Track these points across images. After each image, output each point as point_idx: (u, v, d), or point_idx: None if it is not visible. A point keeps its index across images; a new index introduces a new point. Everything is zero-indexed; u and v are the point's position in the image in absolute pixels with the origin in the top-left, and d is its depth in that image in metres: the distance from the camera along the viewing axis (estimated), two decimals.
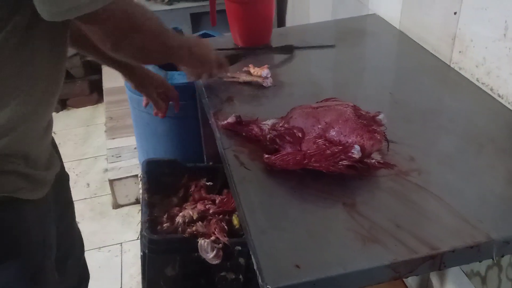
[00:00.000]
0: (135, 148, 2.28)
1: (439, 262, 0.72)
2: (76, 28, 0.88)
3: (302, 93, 1.17)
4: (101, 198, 2.33)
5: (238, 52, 1.35)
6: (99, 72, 2.97)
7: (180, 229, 1.35)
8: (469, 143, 0.95)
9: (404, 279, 1.49)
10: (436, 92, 1.16)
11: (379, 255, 0.71)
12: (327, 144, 0.86)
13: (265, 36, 1.43)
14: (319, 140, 0.87)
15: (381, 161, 0.87)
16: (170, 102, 1.36)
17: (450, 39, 1.22)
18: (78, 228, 1.21)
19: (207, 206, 1.42)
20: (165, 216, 1.42)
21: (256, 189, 0.86)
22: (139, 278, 1.68)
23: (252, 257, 0.74)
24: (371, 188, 0.85)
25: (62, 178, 1.08)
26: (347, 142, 0.86)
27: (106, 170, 2.31)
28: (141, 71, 1.26)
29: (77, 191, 2.26)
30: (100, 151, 2.63)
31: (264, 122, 0.98)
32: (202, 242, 1.28)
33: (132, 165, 2.26)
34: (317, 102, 0.99)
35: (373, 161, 0.86)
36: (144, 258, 1.34)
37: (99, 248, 2.05)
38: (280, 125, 0.94)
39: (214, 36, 1.82)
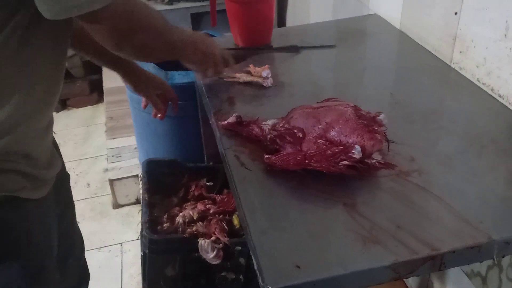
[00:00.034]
0: (135, 148, 2.28)
1: (440, 262, 0.72)
2: (75, 29, 0.88)
3: (302, 93, 1.17)
4: (101, 198, 2.33)
5: (238, 53, 1.35)
6: (99, 72, 2.97)
7: (180, 229, 1.35)
8: (470, 144, 0.95)
9: (404, 280, 1.49)
10: (437, 92, 1.16)
11: (379, 255, 0.71)
12: (327, 145, 0.86)
13: (266, 36, 1.43)
14: (320, 140, 0.87)
15: (382, 162, 0.87)
16: (169, 103, 1.36)
17: (451, 39, 1.22)
18: (79, 228, 1.21)
19: (207, 206, 1.42)
20: (165, 216, 1.42)
21: (257, 189, 0.86)
22: (139, 278, 1.68)
23: (253, 257, 0.74)
24: (372, 188, 0.85)
25: (63, 178, 1.08)
26: (348, 142, 0.86)
27: (106, 170, 2.31)
28: (139, 73, 1.25)
29: (77, 191, 2.25)
30: (100, 151, 2.63)
31: (264, 122, 0.97)
32: (203, 242, 1.28)
33: (132, 165, 2.26)
34: (317, 102, 0.99)
35: (374, 161, 0.86)
36: (144, 258, 1.34)
37: (99, 248, 2.05)
38: (281, 125, 0.93)
39: (215, 36, 1.82)
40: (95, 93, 3.10)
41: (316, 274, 0.69)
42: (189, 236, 1.31)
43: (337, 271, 0.69)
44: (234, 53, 1.32)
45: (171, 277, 1.35)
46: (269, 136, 0.92)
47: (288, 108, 0.98)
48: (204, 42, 1.05)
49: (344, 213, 0.79)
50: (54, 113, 0.93)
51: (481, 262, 1.07)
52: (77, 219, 1.21)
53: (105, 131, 2.55)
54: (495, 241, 0.73)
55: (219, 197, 1.48)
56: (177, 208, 1.46)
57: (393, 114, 1.02)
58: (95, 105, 3.11)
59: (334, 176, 0.84)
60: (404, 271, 0.72)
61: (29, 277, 0.89)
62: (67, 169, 1.11)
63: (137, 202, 2.25)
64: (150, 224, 1.36)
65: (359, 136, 0.86)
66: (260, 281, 0.69)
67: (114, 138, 2.43)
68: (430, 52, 1.31)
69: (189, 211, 1.39)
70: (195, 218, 1.37)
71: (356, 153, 0.83)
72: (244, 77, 1.21)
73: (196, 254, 1.28)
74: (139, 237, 1.56)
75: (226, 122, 1.01)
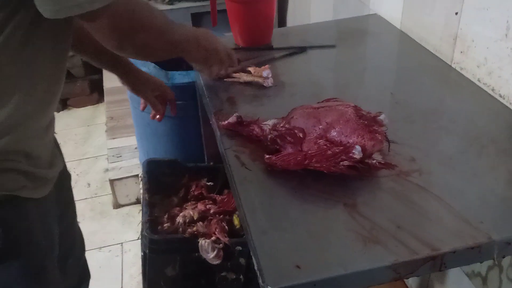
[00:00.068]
0: (135, 148, 2.28)
1: (440, 263, 0.72)
2: (75, 28, 0.88)
3: (303, 93, 1.17)
4: (101, 198, 2.33)
5: (239, 53, 1.35)
6: (99, 71, 2.97)
7: (180, 229, 1.35)
8: (470, 144, 0.95)
9: (405, 280, 1.49)
10: (437, 92, 1.16)
11: (379, 256, 0.71)
12: (328, 145, 0.86)
13: (266, 36, 1.43)
14: (320, 141, 0.87)
15: (382, 162, 0.87)
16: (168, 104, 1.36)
17: (452, 39, 1.22)
18: (79, 228, 1.21)
19: (207, 206, 1.42)
20: (166, 216, 1.42)
21: (257, 189, 0.86)
22: (139, 278, 1.68)
23: (253, 257, 0.74)
24: (372, 188, 0.85)
25: (64, 178, 1.08)
26: (348, 142, 0.86)
27: (107, 170, 2.31)
28: (137, 74, 1.25)
29: (77, 191, 2.25)
30: (100, 151, 2.63)
31: (265, 122, 0.97)
32: (203, 242, 1.28)
33: (133, 165, 2.26)
34: (318, 102, 0.99)
35: (374, 161, 0.86)
36: (144, 258, 1.34)
37: (100, 248, 2.05)
38: (281, 125, 0.93)
39: None
40: (96, 93, 3.10)
41: (317, 274, 0.69)
42: (189, 236, 1.31)
43: (337, 271, 0.69)
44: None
45: (171, 277, 1.35)
46: (269, 136, 0.92)
47: (289, 108, 0.98)
48: (207, 39, 1.04)
49: (344, 213, 0.79)
50: (54, 113, 0.93)
51: (481, 263, 1.07)
52: (77, 219, 1.21)
53: (106, 131, 2.55)
54: (495, 242, 0.73)
55: (220, 197, 1.48)
56: (178, 208, 1.46)
57: (393, 114, 1.02)
58: (96, 105, 3.11)
59: (335, 176, 0.84)
60: (405, 272, 0.72)
61: (29, 277, 0.89)
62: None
63: (137, 202, 2.25)
64: (151, 224, 1.36)
65: (359, 136, 0.86)
66: (260, 281, 0.69)
67: (114, 138, 2.43)
68: (430, 52, 1.31)
69: (190, 211, 1.39)
70: (195, 218, 1.37)
71: (357, 153, 0.83)
72: (244, 77, 1.21)
73: (197, 254, 1.28)
74: (139, 237, 1.56)
75: (226, 122, 1.01)
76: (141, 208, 1.53)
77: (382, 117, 0.92)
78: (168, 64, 1.67)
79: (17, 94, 0.78)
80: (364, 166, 0.84)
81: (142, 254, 1.36)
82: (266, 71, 1.18)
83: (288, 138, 0.89)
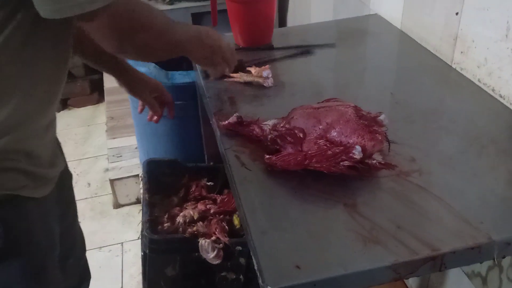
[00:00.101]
0: (136, 148, 2.28)
1: (440, 263, 0.72)
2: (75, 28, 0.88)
3: (303, 93, 1.17)
4: (101, 198, 2.33)
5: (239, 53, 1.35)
6: (100, 71, 2.96)
7: (180, 229, 1.35)
8: (470, 144, 0.95)
9: (405, 280, 1.49)
10: (437, 92, 1.16)
11: (379, 256, 0.71)
12: (328, 145, 0.86)
13: (266, 36, 1.43)
14: (320, 141, 0.87)
15: (382, 162, 0.87)
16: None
17: (452, 39, 1.22)
18: (80, 228, 1.21)
19: (207, 206, 1.42)
20: (166, 216, 1.42)
21: (257, 189, 0.86)
22: (139, 278, 1.68)
23: (253, 257, 0.74)
24: (372, 188, 0.85)
25: (65, 177, 1.08)
26: (348, 142, 0.86)
27: (107, 169, 2.31)
28: (135, 76, 1.24)
29: (77, 191, 2.23)
30: (100, 150, 2.64)
31: (265, 123, 0.97)
32: (203, 242, 1.28)
33: (133, 164, 2.26)
34: (318, 103, 0.99)
35: (374, 161, 0.86)
36: (144, 258, 1.34)
37: (100, 248, 2.06)
38: (281, 125, 0.93)
39: None
40: (96, 92, 3.10)
41: (317, 274, 0.69)
42: (189, 236, 1.31)
43: (337, 271, 0.69)
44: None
45: (171, 277, 1.35)
46: (269, 136, 0.92)
47: (289, 108, 0.98)
48: (210, 36, 1.03)
49: (344, 213, 0.79)
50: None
51: (481, 263, 1.07)
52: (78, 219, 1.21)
53: (106, 131, 2.55)
54: (496, 242, 0.73)
55: (220, 197, 1.48)
56: (178, 208, 1.46)
57: (393, 114, 1.02)
58: (96, 105, 3.11)
59: (335, 177, 0.84)
60: (405, 272, 0.72)
61: (29, 277, 0.89)
62: None
63: (137, 202, 2.25)
64: (151, 224, 1.36)
65: (359, 137, 0.86)
66: (260, 281, 0.69)
67: (114, 138, 2.43)
68: (430, 52, 1.31)
69: (190, 211, 1.39)
70: (195, 218, 1.37)
71: (357, 153, 0.83)
72: (244, 77, 1.21)
73: (197, 254, 1.28)
74: (140, 237, 1.56)
75: (226, 122, 1.01)
76: (141, 208, 1.53)
77: (382, 117, 0.92)
78: (168, 64, 1.67)
79: (17, 94, 0.78)
80: (364, 166, 0.84)
81: (142, 254, 1.36)
82: (266, 71, 1.18)
83: (288, 138, 0.89)
